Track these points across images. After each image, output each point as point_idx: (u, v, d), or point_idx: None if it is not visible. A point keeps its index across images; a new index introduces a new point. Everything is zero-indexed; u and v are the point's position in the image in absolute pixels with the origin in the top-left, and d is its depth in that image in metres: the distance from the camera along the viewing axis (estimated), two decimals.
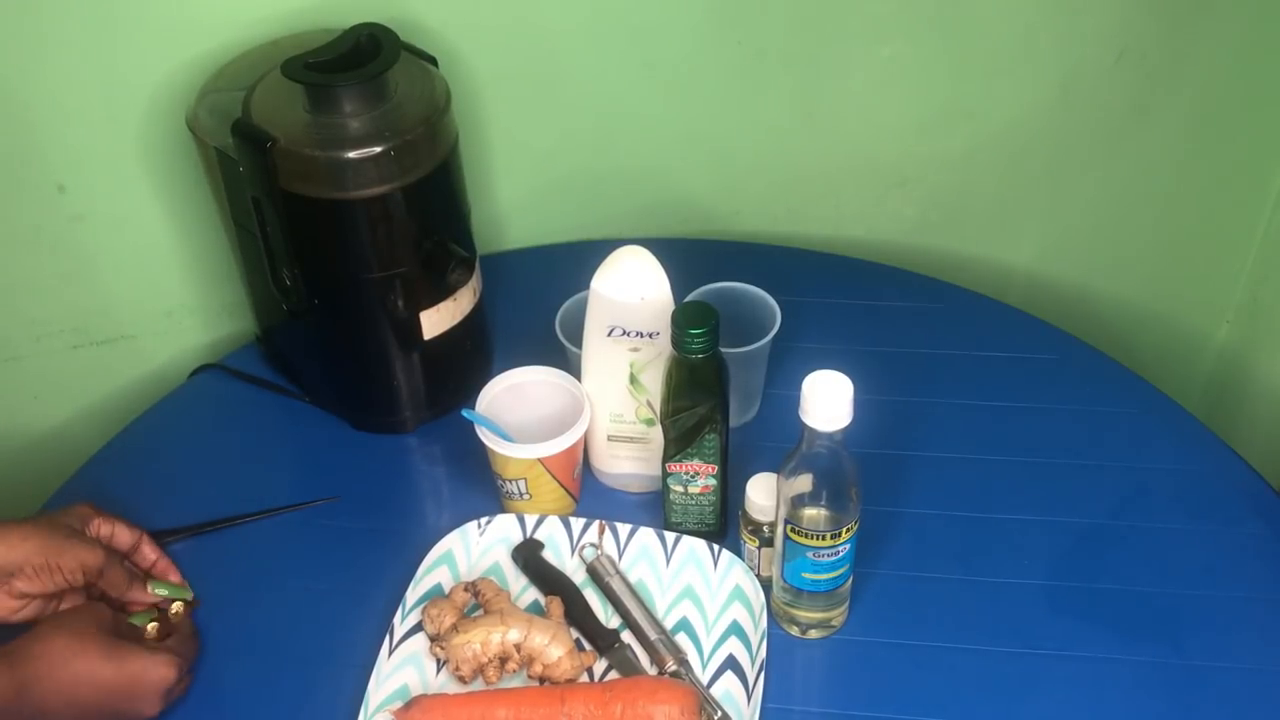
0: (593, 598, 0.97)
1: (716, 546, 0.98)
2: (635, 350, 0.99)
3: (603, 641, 0.94)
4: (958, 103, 1.30)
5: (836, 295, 1.24)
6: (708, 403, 0.92)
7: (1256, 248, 1.42)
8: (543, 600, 0.96)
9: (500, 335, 1.17)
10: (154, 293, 1.25)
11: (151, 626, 0.94)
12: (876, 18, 1.23)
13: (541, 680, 0.91)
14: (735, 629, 0.94)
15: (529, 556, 1.00)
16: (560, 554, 1.01)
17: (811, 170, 1.34)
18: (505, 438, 1.00)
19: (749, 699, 0.89)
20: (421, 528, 1.03)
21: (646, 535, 1.00)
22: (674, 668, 0.91)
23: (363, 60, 0.97)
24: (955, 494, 1.05)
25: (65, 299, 1.23)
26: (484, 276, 1.11)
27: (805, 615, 0.94)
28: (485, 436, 0.99)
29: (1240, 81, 1.31)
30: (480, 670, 0.91)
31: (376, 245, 1.01)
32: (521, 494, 1.02)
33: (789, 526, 0.88)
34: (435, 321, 1.06)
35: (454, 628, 0.91)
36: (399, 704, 0.88)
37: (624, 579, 0.98)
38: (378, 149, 0.96)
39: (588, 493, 1.07)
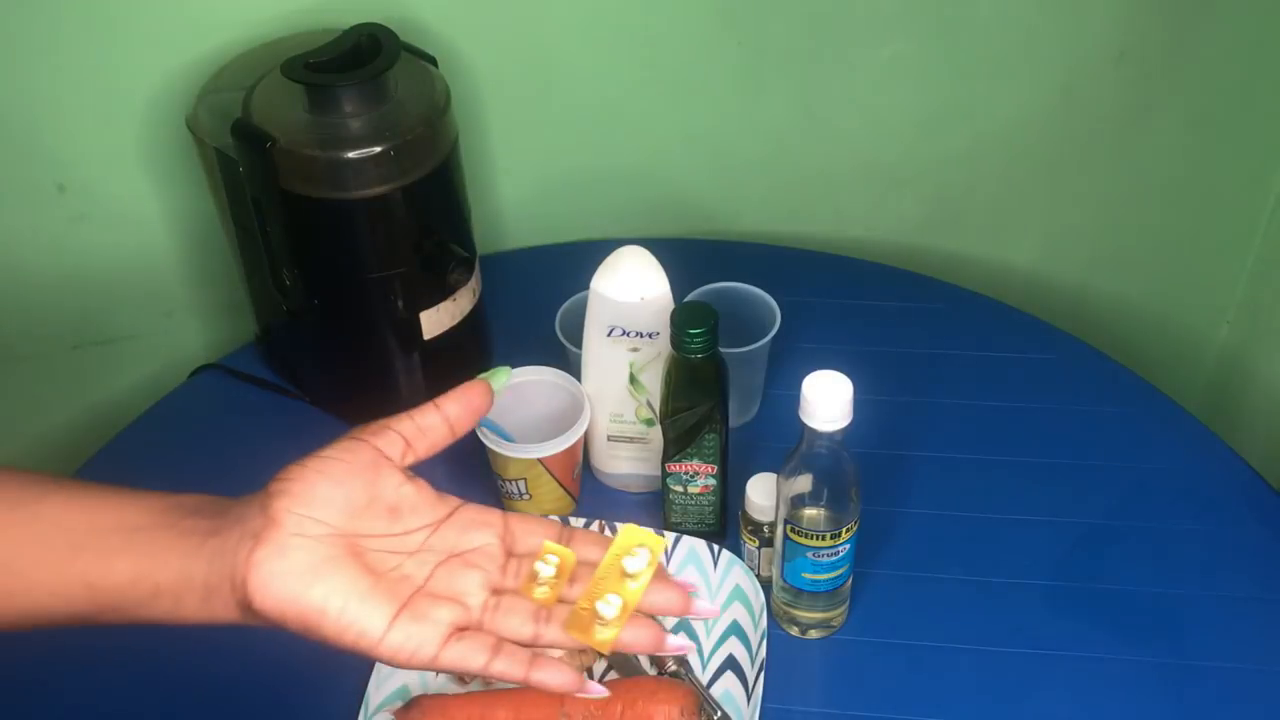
0: None
1: (716, 546, 0.98)
2: (635, 350, 0.99)
3: None
4: (958, 103, 1.29)
5: (836, 295, 1.24)
6: (707, 403, 0.92)
7: (1256, 248, 1.42)
8: None
9: (500, 335, 1.17)
10: (154, 293, 1.25)
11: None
12: (877, 18, 1.23)
13: None
14: (735, 629, 0.94)
15: None
16: None
17: (811, 170, 1.33)
18: (505, 438, 1.00)
19: (749, 699, 0.89)
20: None
21: None
22: (674, 668, 0.91)
23: (363, 60, 0.97)
24: (955, 494, 1.05)
25: (65, 299, 1.22)
26: (484, 276, 1.11)
27: (805, 615, 0.94)
28: (485, 436, 0.99)
29: (1240, 81, 1.31)
30: None
31: (376, 245, 1.01)
32: (521, 494, 1.02)
33: (789, 526, 0.88)
34: (435, 321, 1.06)
35: None
36: (399, 704, 0.88)
37: None
38: (378, 149, 0.96)
39: (588, 493, 1.07)
